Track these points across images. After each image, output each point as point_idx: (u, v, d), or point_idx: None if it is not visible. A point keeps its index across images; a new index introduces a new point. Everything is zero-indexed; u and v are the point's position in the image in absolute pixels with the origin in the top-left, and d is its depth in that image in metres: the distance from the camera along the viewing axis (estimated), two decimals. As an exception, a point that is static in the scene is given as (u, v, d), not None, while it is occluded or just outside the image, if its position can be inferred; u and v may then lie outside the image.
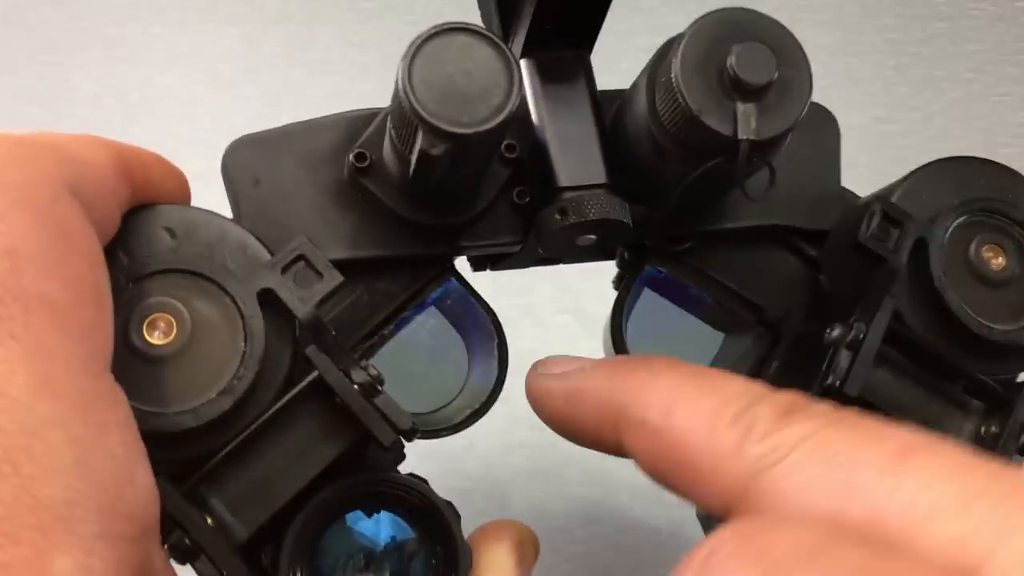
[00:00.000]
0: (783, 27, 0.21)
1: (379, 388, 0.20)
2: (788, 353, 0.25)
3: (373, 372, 0.20)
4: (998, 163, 0.26)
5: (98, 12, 0.54)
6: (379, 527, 0.23)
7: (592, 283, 0.35)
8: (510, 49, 0.21)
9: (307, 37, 0.54)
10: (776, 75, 0.20)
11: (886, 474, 0.16)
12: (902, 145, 0.53)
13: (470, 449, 0.46)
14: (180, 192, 0.22)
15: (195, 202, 0.42)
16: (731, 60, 0.20)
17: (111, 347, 0.17)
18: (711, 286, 0.26)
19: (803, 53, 0.21)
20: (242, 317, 0.20)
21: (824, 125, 0.27)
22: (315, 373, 0.20)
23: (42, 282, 0.16)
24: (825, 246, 0.25)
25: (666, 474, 0.20)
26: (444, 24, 0.20)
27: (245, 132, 0.56)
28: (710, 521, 0.25)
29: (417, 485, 0.21)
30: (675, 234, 0.25)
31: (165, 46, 0.53)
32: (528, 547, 0.23)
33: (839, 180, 0.27)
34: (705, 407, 0.19)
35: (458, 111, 0.19)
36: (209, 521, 0.19)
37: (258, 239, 0.21)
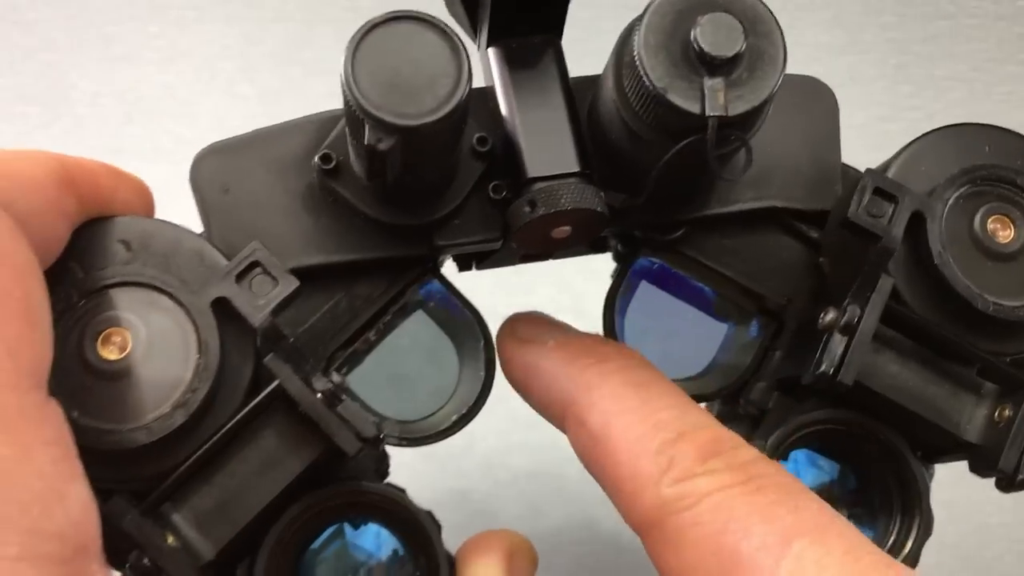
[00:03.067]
0: None
1: (341, 396, 0.19)
2: (792, 342, 0.24)
3: (336, 379, 0.20)
4: (1004, 128, 0.24)
5: (96, 11, 0.54)
6: (370, 540, 0.23)
7: (594, 284, 0.36)
8: (479, 38, 0.20)
9: (306, 36, 0.54)
10: (744, 47, 0.19)
11: (769, 553, 0.17)
12: (903, 144, 0.53)
13: (469, 449, 0.46)
14: (139, 203, 0.21)
15: (193, 200, 0.42)
16: (695, 32, 0.19)
17: (46, 363, 0.17)
18: (708, 275, 0.25)
19: (775, 23, 0.20)
20: (196, 328, 0.19)
21: (819, 98, 0.25)
22: (276, 383, 0.19)
23: None
24: (826, 227, 0.24)
25: (597, 477, 0.21)
26: (389, 13, 0.19)
27: (244, 131, 0.56)
28: None
29: (393, 495, 0.21)
30: (666, 222, 0.23)
31: (163, 45, 0.53)
32: (521, 559, 0.22)
33: (839, 156, 0.25)
34: (636, 430, 0.20)
35: (404, 102, 0.19)
36: (171, 540, 0.19)
37: (218, 248, 0.20)
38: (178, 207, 0.53)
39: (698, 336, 0.26)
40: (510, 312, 0.28)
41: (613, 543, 0.41)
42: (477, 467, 0.42)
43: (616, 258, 0.26)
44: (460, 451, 0.45)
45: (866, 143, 0.60)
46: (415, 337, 0.25)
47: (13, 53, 0.52)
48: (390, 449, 0.24)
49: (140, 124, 0.50)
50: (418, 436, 0.24)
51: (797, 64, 0.61)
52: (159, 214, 0.46)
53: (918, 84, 0.52)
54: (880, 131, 0.51)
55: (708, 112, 0.19)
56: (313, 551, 0.22)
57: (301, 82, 0.54)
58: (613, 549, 0.41)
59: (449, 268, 0.25)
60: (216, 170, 0.23)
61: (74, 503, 0.16)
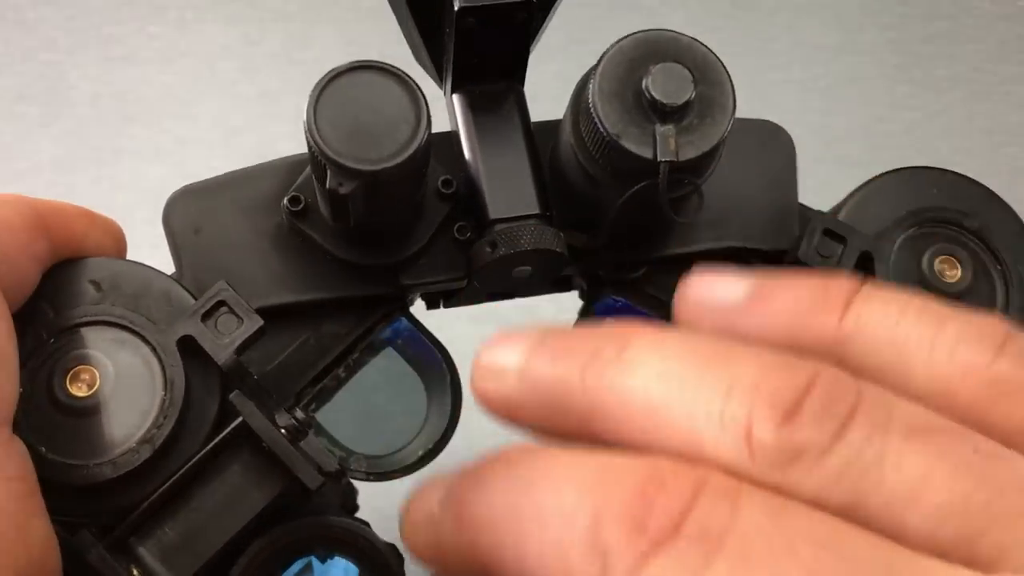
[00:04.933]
0: (702, 46, 0.21)
1: (305, 432, 0.20)
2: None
3: (300, 416, 0.20)
4: (953, 172, 0.25)
5: (96, 11, 0.54)
6: (338, 573, 0.23)
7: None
8: (444, 85, 0.21)
9: (306, 36, 0.54)
10: (694, 95, 0.20)
11: None
12: (903, 144, 0.53)
13: (469, 450, 0.45)
14: (111, 244, 0.22)
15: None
16: (647, 81, 0.20)
17: (12, 403, 0.17)
18: (670, 313, 0.25)
19: (725, 72, 0.21)
20: (162, 366, 0.20)
21: (776, 142, 0.26)
22: (240, 419, 0.20)
23: None
24: (784, 266, 0.25)
25: None
26: (350, 63, 0.20)
27: (244, 131, 0.55)
28: None
29: (356, 528, 0.21)
30: (628, 261, 0.24)
31: (163, 45, 0.53)
32: None
33: (796, 197, 0.25)
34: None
35: (364, 148, 0.19)
36: (136, 573, 0.19)
37: (186, 288, 0.21)
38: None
39: None
40: (513, 312, 0.28)
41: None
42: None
43: (581, 296, 0.27)
44: (460, 451, 0.44)
45: (866, 143, 0.60)
46: (384, 373, 0.25)
47: (13, 53, 0.52)
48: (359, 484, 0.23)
49: (140, 124, 0.50)
50: (384, 471, 0.24)
51: (797, 64, 0.60)
52: (160, 213, 0.46)
53: (918, 84, 0.52)
54: (880, 131, 0.51)
55: (659, 157, 0.20)
56: None
57: (301, 82, 0.54)
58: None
59: (418, 306, 0.26)
60: (188, 211, 0.23)
61: (35, 539, 0.17)
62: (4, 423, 0.17)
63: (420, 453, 0.24)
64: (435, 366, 0.25)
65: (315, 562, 0.22)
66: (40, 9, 0.54)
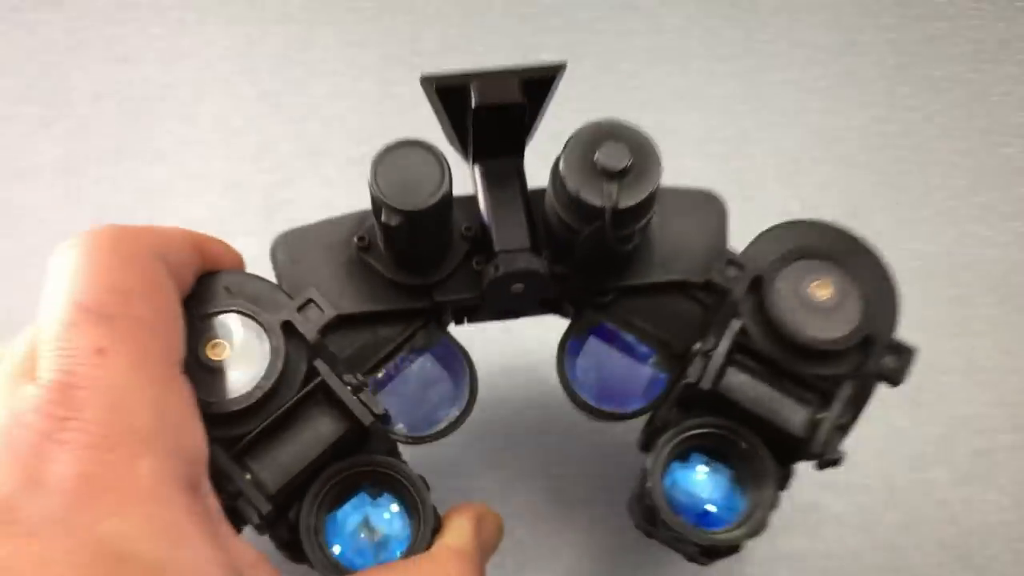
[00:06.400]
0: (638, 130, 0.31)
1: (362, 388, 0.31)
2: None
3: (360, 378, 0.32)
4: (828, 223, 0.34)
5: (97, 12, 0.55)
6: (384, 505, 0.31)
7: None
8: (468, 157, 0.34)
9: (307, 37, 0.54)
10: (630, 163, 0.30)
11: None
12: (902, 145, 0.53)
13: (469, 449, 0.46)
14: (237, 262, 0.33)
15: (194, 200, 0.41)
16: (598, 154, 0.30)
17: (182, 354, 0.28)
18: (633, 329, 0.36)
19: (654, 148, 0.31)
20: (270, 340, 0.30)
21: (712, 204, 0.36)
22: (320, 378, 0.30)
23: (141, 309, 0.26)
24: (714, 294, 0.35)
25: None
26: (400, 140, 0.31)
27: (244, 132, 0.56)
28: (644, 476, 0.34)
29: (393, 462, 0.31)
30: (600, 289, 0.35)
31: (165, 46, 0.53)
32: (488, 522, 0.32)
33: (725, 243, 0.36)
34: None
35: (406, 196, 0.30)
36: (248, 476, 0.29)
37: (287, 293, 0.32)
38: (179, 206, 0.53)
39: (629, 376, 0.37)
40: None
41: (613, 541, 0.41)
42: (478, 467, 0.43)
43: (567, 316, 0.37)
44: (461, 452, 0.45)
45: (865, 144, 0.60)
46: (422, 369, 0.36)
47: (15, 54, 0.52)
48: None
49: (141, 125, 0.51)
50: (420, 436, 0.35)
51: (796, 65, 0.60)
52: (162, 214, 0.46)
53: (917, 85, 0.52)
54: (878, 132, 0.52)
55: (606, 205, 0.30)
56: (341, 510, 0.31)
57: (302, 83, 0.54)
58: (614, 548, 0.41)
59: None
60: (288, 248, 0.35)
61: (196, 434, 0.27)
62: (177, 364, 0.27)
63: (443, 425, 0.35)
64: (459, 366, 0.36)
65: (367, 496, 0.31)
66: (42, 10, 0.54)
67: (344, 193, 0.50)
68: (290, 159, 0.52)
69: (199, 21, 0.57)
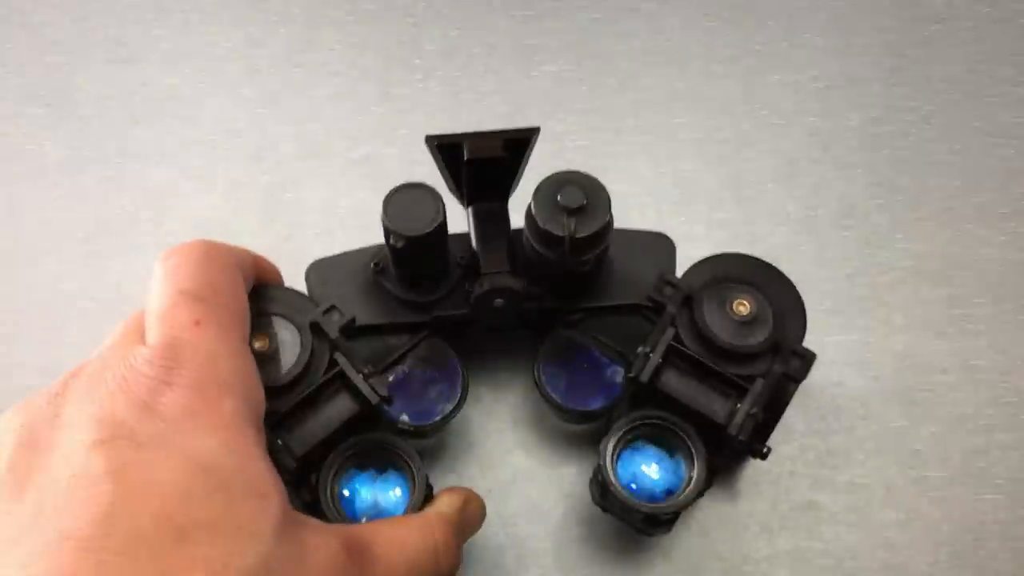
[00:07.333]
0: (593, 178, 0.39)
1: (372, 376, 0.39)
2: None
3: (370, 368, 0.40)
4: (749, 255, 0.42)
5: (101, 13, 0.55)
6: (390, 479, 0.38)
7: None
8: (463, 201, 0.44)
9: (309, 38, 0.55)
10: (585, 202, 0.39)
11: None
12: (899, 146, 0.54)
13: (469, 450, 0.46)
14: (278, 277, 0.43)
15: (196, 201, 0.42)
16: (560, 195, 0.39)
17: (248, 335, 0.37)
18: (598, 343, 0.44)
19: (604, 191, 0.39)
20: (301, 337, 0.40)
21: (664, 243, 0.45)
22: (338, 367, 0.40)
23: (225, 298, 0.35)
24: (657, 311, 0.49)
25: None
26: (405, 183, 0.39)
27: (247, 132, 0.56)
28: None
29: (395, 438, 0.40)
30: (570, 309, 0.44)
31: (168, 47, 0.54)
32: (473, 504, 0.39)
33: (675, 274, 0.45)
34: None
35: (409, 224, 0.39)
36: (280, 442, 0.38)
37: (314, 301, 0.42)
38: (182, 206, 0.53)
39: (591, 380, 0.44)
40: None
41: (613, 542, 0.41)
42: (478, 467, 0.43)
43: (542, 331, 0.47)
44: (461, 452, 0.45)
45: (861, 144, 0.60)
46: (423, 371, 0.44)
47: (19, 55, 0.52)
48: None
49: (145, 125, 0.52)
50: (421, 426, 0.42)
51: (793, 66, 0.60)
52: (164, 214, 0.46)
53: (913, 86, 0.53)
54: (875, 133, 0.52)
55: (563, 234, 0.39)
56: (354, 481, 0.38)
57: (304, 84, 0.54)
58: (613, 548, 0.41)
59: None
60: (319, 273, 0.44)
61: (260, 388, 0.35)
62: (247, 341, 0.36)
63: (439, 419, 0.43)
64: (454, 370, 0.44)
65: (374, 473, 0.39)
66: (46, 11, 0.54)
67: (345, 194, 0.55)
68: (292, 160, 0.55)
69: (202, 23, 0.58)
